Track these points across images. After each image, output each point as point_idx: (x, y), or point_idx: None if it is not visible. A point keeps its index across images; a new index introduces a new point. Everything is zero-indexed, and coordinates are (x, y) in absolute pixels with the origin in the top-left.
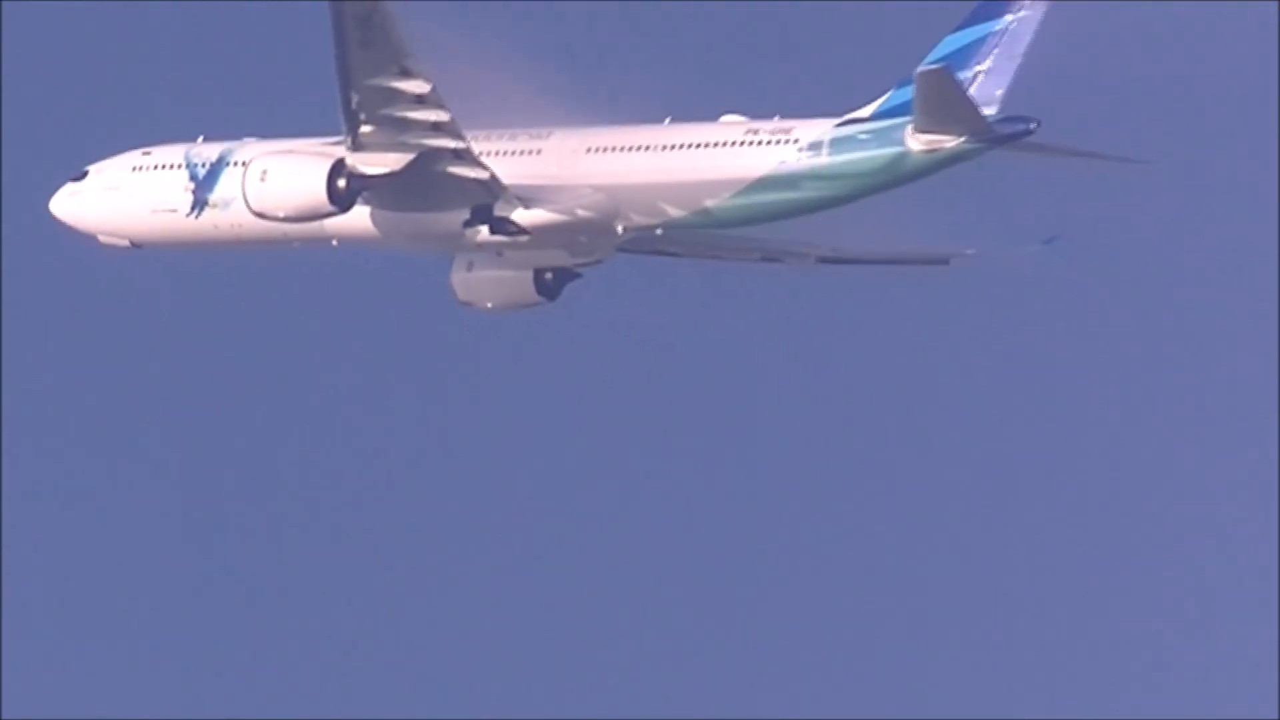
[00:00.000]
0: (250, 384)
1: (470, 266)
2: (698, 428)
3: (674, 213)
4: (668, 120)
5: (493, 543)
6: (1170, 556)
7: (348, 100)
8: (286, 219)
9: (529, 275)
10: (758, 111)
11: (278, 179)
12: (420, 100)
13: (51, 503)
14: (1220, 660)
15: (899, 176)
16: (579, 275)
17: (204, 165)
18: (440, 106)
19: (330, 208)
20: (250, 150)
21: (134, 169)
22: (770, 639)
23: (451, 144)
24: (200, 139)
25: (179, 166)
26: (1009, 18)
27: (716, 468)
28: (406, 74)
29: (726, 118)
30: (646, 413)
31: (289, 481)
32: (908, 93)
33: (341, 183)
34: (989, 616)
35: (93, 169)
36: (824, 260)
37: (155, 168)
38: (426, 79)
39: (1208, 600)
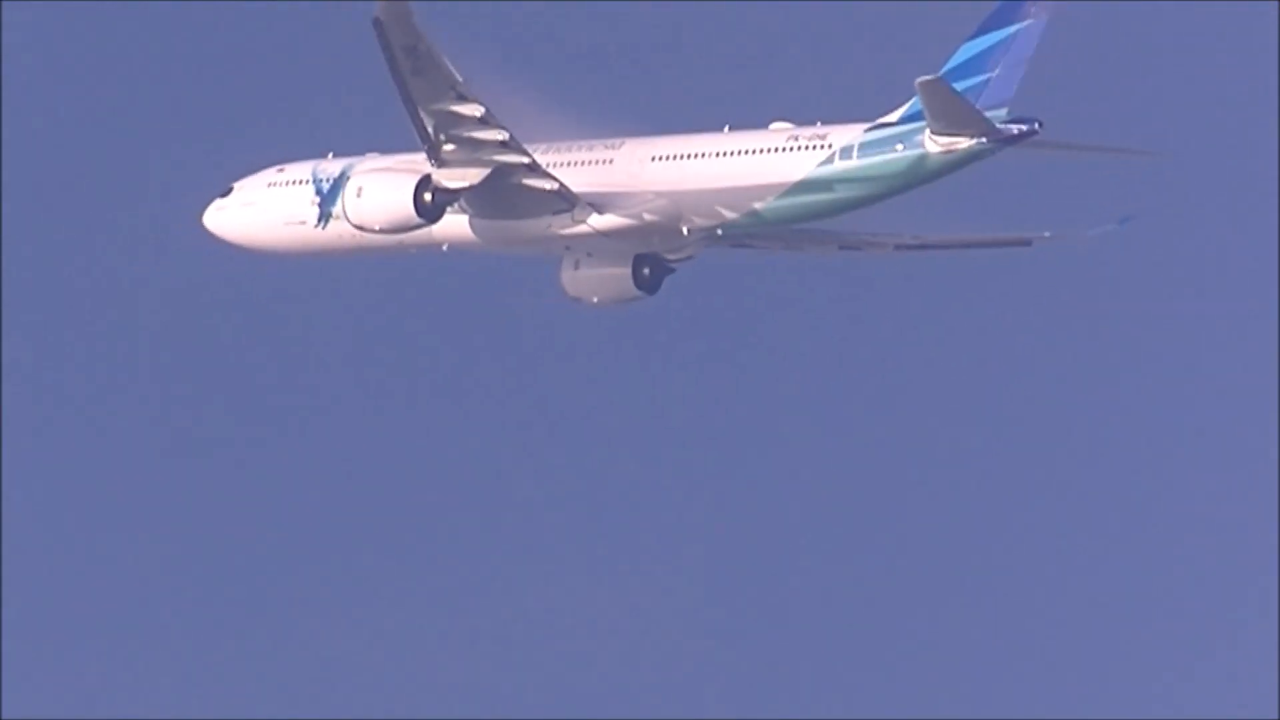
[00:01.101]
0: (390, 368)
1: (577, 265)
2: (787, 413)
3: (728, 215)
4: (726, 128)
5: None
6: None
7: (419, 124)
8: (383, 230)
9: (629, 272)
10: (803, 116)
11: (372, 195)
12: (482, 121)
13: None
14: (1221, 660)
15: (923, 176)
16: (673, 270)
17: (328, 180)
18: (500, 126)
19: (418, 220)
20: (369, 165)
21: (269, 185)
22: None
23: (519, 159)
24: (330, 155)
25: (307, 182)
26: (1017, 25)
27: (803, 450)
28: (462, 99)
29: (775, 124)
30: (740, 399)
31: (420, 450)
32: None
33: (428, 197)
34: (1022, 613)
35: (235, 185)
36: (902, 247)
37: (287, 183)
38: (480, 102)
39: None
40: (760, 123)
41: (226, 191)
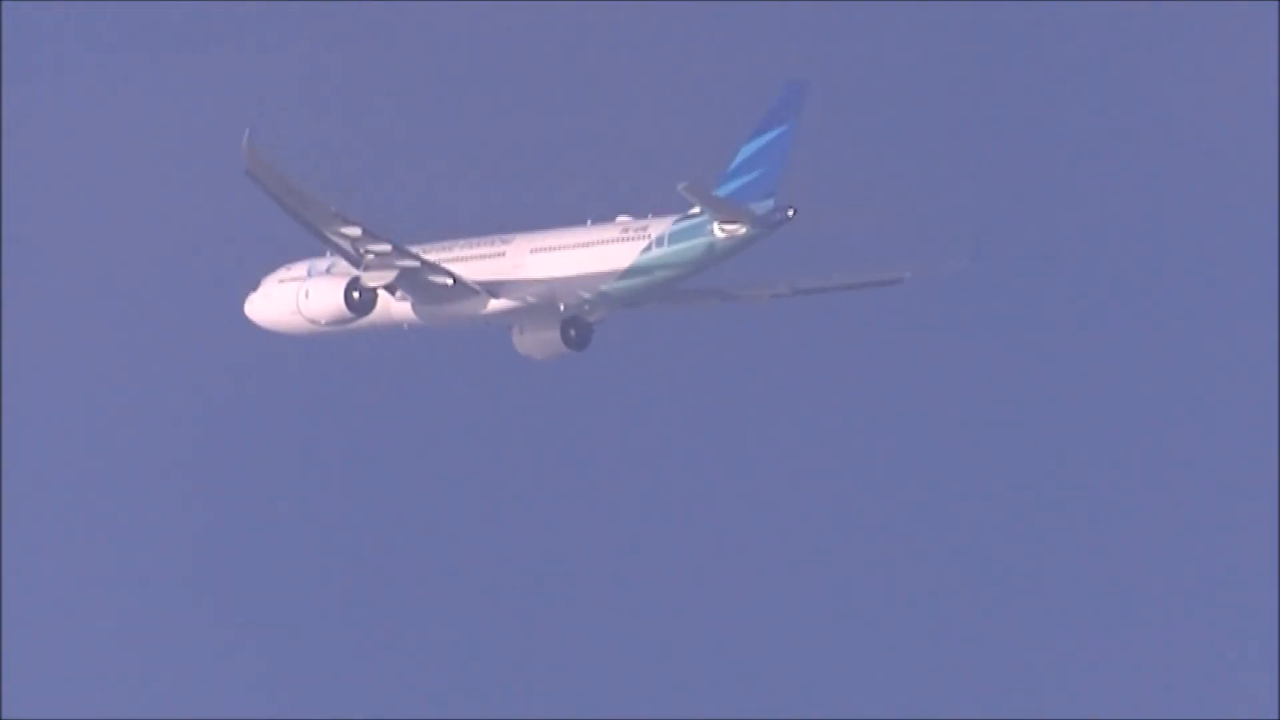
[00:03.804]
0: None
1: (521, 331)
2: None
3: (585, 295)
4: (588, 221)
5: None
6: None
7: (330, 243)
8: (329, 324)
9: (558, 334)
10: (642, 209)
11: (315, 296)
12: (365, 237)
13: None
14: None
15: (717, 256)
16: (592, 330)
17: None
18: (379, 239)
19: (350, 314)
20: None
21: (280, 281)
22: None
23: (409, 263)
24: (327, 253)
25: (304, 278)
26: (778, 130)
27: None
28: (346, 221)
29: (619, 218)
30: (654, 431)
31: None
32: (720, 192)
33: (356, 295)
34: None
35: (263, 280)
36: (778, 295)
37: (292, 279)
38: (356, 223)
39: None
40: (611, 215)
41: (256, 285)
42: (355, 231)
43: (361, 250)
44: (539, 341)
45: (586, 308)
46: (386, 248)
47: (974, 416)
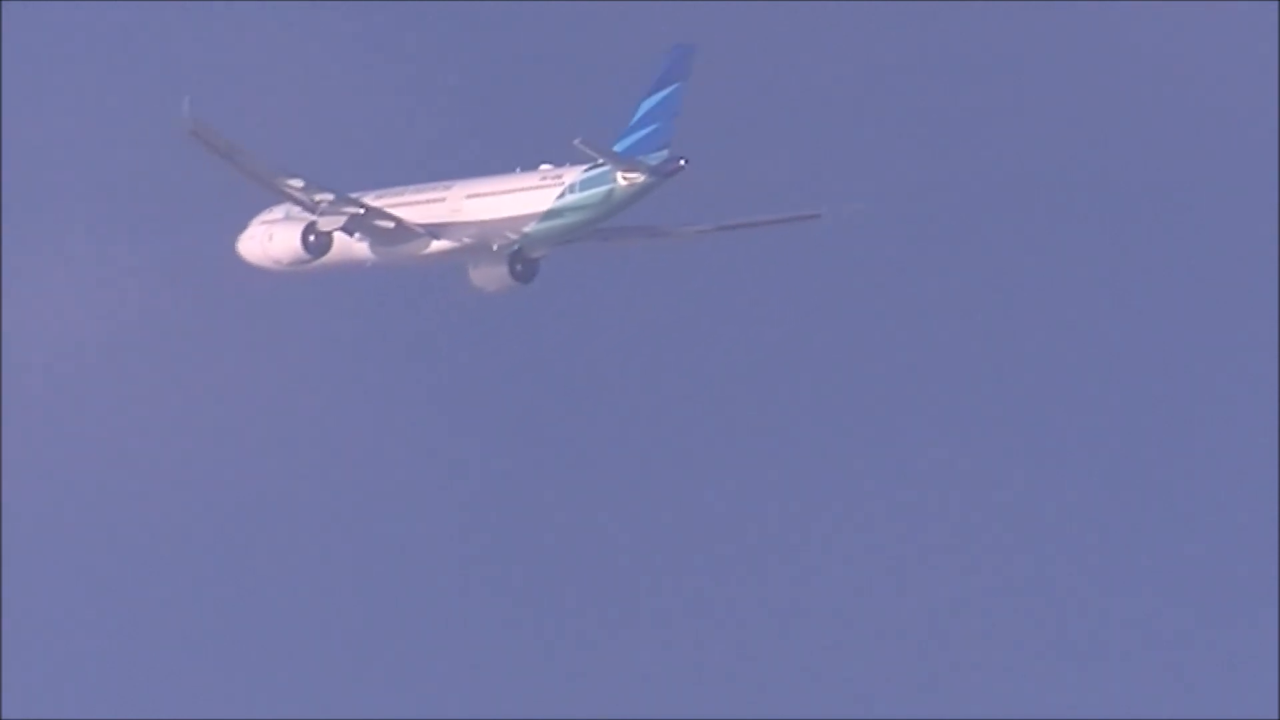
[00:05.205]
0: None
1: (476, 266)
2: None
3: (512, 236)
4: (517, 169)
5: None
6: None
7: (284, 194)
8: (290, 264)
9: (506, 270)
10: (564, 158)
11: (277, 239)
12: (308, 187)
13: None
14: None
15: (619, 202)
16: (538, 264)
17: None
18: (321, 189)
19: (307, 255)
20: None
21: (261, 222)
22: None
23: (355, 209)
24: None
25: (280, 220)
26: (671, 87)
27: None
28: (289, 174)
29: (542, 166)
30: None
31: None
32: (622, 145)
33: (311, 238)
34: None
35: (252, 221)
36: (703, 232)
37: (271, 221)
38: (299, 176)
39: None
40: (537, 163)
41: (246, 226)
42: (298, 183)
43: (314, 199)
44: (490, 276)
45: (518, 247)
46: (330, 196)
47: (899, 342)
